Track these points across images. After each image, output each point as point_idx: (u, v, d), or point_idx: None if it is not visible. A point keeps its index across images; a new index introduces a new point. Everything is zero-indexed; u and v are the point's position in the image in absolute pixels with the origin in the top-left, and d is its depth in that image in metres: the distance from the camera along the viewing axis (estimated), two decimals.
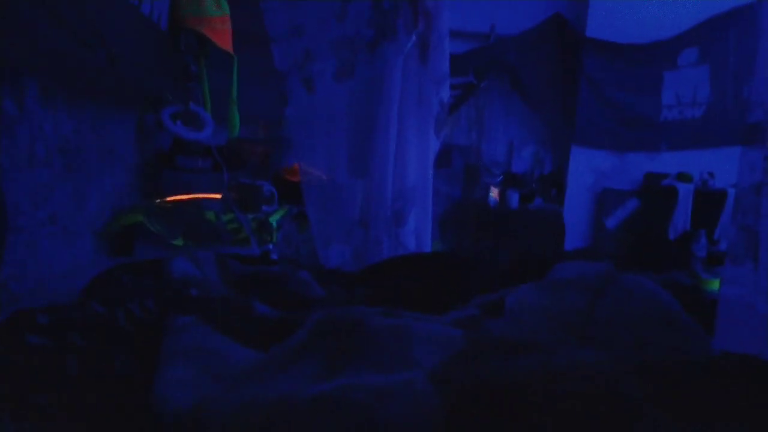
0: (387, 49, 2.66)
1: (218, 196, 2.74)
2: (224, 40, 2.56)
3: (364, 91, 2.67)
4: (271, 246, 2.76)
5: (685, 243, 3.96)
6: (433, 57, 2.77)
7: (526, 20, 5.26)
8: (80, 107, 2.03)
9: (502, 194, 4.86)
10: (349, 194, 2.81)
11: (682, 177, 4.70)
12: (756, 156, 2.43)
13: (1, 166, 1.51)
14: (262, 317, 1.27)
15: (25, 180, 1.68)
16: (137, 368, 1.03)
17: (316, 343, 1.03)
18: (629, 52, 5.11)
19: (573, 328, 1.27)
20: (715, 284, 3.19)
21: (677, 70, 5.10)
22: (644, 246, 4.12)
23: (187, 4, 2.44)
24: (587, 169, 5.22)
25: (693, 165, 4.86)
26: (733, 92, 4.82)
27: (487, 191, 5.05)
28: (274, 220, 2.95)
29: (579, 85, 5.12)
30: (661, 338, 1.26)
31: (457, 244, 3.62)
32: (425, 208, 2.89)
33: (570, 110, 5.24)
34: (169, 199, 2.59)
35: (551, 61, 5.26)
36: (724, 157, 4.04)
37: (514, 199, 4.70)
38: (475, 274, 1.93)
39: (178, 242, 2.41)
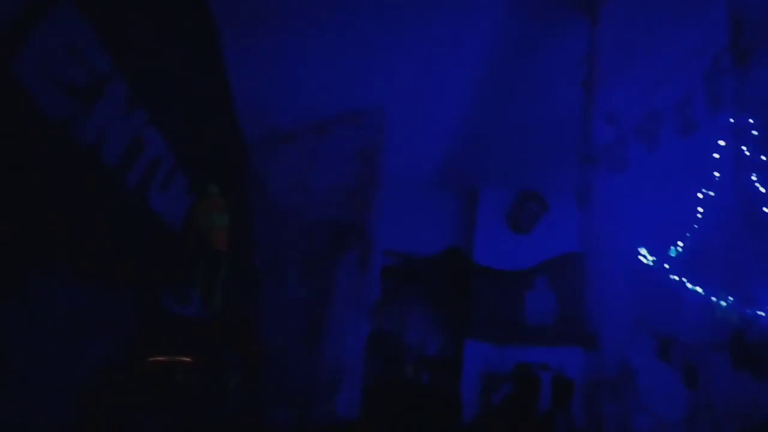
0: (339, 260, 2.78)
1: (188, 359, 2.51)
2: (222, 243, 2.60)
3: (319, 287, 2.72)
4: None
5: (549, 420, 3.83)
6: (368, 266, 2.90)
7: (436, 244, 5.58)
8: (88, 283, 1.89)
9: (416, 372, 4.70)
10: (300, 365, 2.67)
11: (543, 367, 4.73)
12: (592, 357, 2.51)
13: None
14: None
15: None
16: None
17: None
18: (503, 275, 5.45)
19: None
20: None
21: (535, 290, 5.42)
22: (519, 422, 3.95)
23: (199, 218, 2.51)
24: (476, 356, 5.20)
25: (550, 358, 4.91)
26: (573, 309, 5.11)
27: (406, 369, 4.89)
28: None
29: (470, 296, 5.33)
30: None
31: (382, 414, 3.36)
32: (356, 380, 2.76)
33: (464, 312, 5.38)
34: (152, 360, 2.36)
35: (449, 278, 5.52)
36: (573, 354, 4.14)
37: (425, 377, 4.55)
38: None
39: None
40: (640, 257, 2.98)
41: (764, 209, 2.33)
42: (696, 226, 2.67)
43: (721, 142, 2.32)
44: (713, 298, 2.64)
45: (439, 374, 4.98)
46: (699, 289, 2.74)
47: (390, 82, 3.48)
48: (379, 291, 2.91)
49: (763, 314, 2.44)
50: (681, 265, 2.85)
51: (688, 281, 2.81)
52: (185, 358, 2.50)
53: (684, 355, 1.99)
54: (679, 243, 2.88)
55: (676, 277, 2.87)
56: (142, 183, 1.83)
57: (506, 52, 3.53)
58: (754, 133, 2.34)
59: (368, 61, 3.45)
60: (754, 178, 2.44)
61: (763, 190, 2.41)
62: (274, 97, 3.00)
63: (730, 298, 2.60)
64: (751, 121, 2.30)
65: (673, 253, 2.88)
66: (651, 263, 3.01)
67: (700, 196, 2.60)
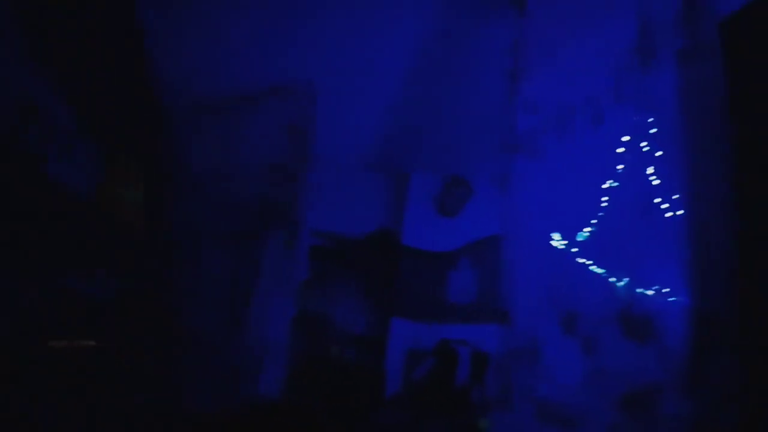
0: (264, 238, 2.72)
1: None
2: (134, 217, 2.43)
3: (243, 266, 2.65)
4: None
5: (466, 392, 4.07)
6: (296, 246, 2.87)
7: (365, 225, 5.65)
8: None
9: (342, 351, 4.76)
10: (222, 346, 2.60)
11: (462, 342, 4.99)
12: (505, 330, 2.69)
13: None
14: None
15: None
16: None
17: None
18: (429, 257, 5.64)
19: None
20: (485, 423, 3.27)
21: (458, 271, 5.67)
22: (438, 394, 4.17)
23: (109, 189, 2.32)
24: (401, 334, 5.36)
25: (469, 334, 5.19)
26: (491, 288, 5.42)
27: (332, 349, 4.94)
28: None
29: (398, 276, 5.47)
30: None
31: (306, 392, 3.39)
32: (280, 360, 2.75)
33: (391, 292, 5.51)
34: None
35: (377, 259, 5.62)
36: (490, 330, 4.40)
37: (351, 355, 4.63)
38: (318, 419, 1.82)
39: None
40: (553, 241, 3.23)
41: (656, 200, 2.61)
42: (601, 214, 2.93)
43: (625, 138, 2.55)
44: (612, 278, 2.94)
45: (365, 352, 5.10)
46: (601, 270, 3.03)
47: (322, 58, 3.42)
48: (307, 271, 2.90)
49: (651, 292, 2.76)
50: (587, 248, 3.13)
51: (593, 263, 3.09)
52: (89, 342, 2.33)
53: (584, 327, 2.20)
54: (587, 229, 3.15)
55: (583, 260, 3.15)
56: (37, 149, 1.65)
57: (438, 38, 3.59)
58: (653, 130, 2.60)
59: (300, 33, 3.36)
60: (650, 171, 2.71)
61: (657, 182, 2.70)
62: (199, 66, 2.83)
63: (626, 279, 2.90)
64: (650, 119, 2.55)
65: (581, 238, 3.15)
66: (563, 247, 3.27)
67: (605, 186, 2.85)
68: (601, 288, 2.90)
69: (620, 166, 2.78)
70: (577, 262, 3.09)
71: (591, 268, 2.93)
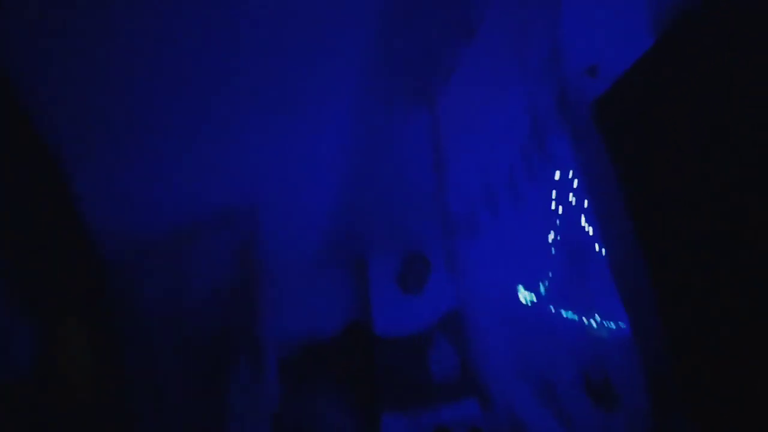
0: (229, 372, 2.67)
1: None
2: (85, 385, 2.32)
3: (209, 408, 2.57)
4: None
5: None
6: (263, 372, 2.82)
7: (334, 322, 5.58)
8: None
9: None
10: None
11: (459, 426, 4.84)
12: (486, 410, 2.66)
13: None
14: None
15: None
16: None
17: None
18: (405, 341, 5.63)
19: None
20: None
21: (436, 349, 5.64)
22: None
23: (54, 359, 2.24)
24: (395, 430, 5.15)
25: (463, 410, 5.05)
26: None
27: None
28: None
29: (377, 370, 5.38)
30: None
31: None
32: None
33: (374, 387, 5.37)
34: None
35: (353, 356, 5.53)
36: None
37: None
38: None
39: None
40: (520, 296, 3.35)
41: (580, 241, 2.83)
42: (553, 264, 3.12)
43: (553, 196, 2.80)
44: (584, 319, 3.06)
45: None
46: (571, 314, 3.15)
47: (256, 174, 3.57)
48: (278, 393, 2.83)
49: (623, 325, 2.90)
50: (551, 298, 3.27)
51: (561, 309, 3.22)
52: None
53: (557, 395, 2.25)
54: (544, 282, 3.32)
55: (552, 308, 3.27)
56: None
57: (369, 133, 3.87)
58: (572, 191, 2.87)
59: (233, 157, 3.52)
60: (582, 221, 2.95)
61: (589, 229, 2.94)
62: (135, 209, 2.89)
63: (597, 317, 3.03)
64: (569, 177, 2.83)
65: (542, 291, 3.29)
66: (528, 302, 3.39)
67: (549, 239, 3.07)
68: (575, 333, 3.01)
69: (557, 221, 3.02)
70: (546, 312, 3.21)
71: (561, 314, 3.06)
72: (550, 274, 3.27)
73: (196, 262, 2.85)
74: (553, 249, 3.15)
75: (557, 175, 2.69)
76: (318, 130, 3.66)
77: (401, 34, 2.75)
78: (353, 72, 3.02)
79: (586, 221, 3.01)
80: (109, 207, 2.82)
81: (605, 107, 1.81)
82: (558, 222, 2.95)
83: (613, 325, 2.75)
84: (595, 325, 3.06)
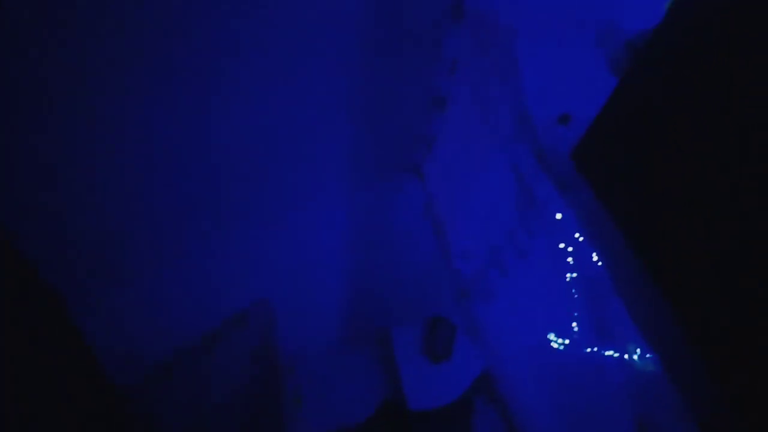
0: None
1: None
2: None
3: None
4: None
5: None
6: None
7: (367, 405, 5.32)
8: None
9: None
10: None
11: None
12: None
13: None
14: None
15: None
16: None
17: None
18: (443, 412, 5.36)
19: None
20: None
21: (479, 413, 5.34)
22: None
23: None
24: None
25: None
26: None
27: None
28: None
29: None
30: None
31: None
32: None
33: None
34: None
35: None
36: None
37: None
38: None
39: None
40: (552, 343, 3.20)
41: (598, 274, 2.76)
42: (577, 303, 3.02)
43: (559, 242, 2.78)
44: (626, 356, 2.90)
45: None
46: (612, 352, 2.99)
47: (265, 272, 3.60)
48: None
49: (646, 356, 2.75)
50: (586, 339, 3.13)
51: (600, 348, 3.07)
52: None
53: None
54: (573, 324, 3.19)
55: (592, 348, 3.12)
56: None
57: (367, 210, 3.93)
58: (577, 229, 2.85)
59: (242, 260, 3.57)
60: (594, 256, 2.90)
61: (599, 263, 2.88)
62: (146, 337, 2.89)
63: (638, 350, 2.87)
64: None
65: (575, 333, 3.16)
66: (562, 347, 3.24)
67: (567, 279, 2.99)
68: (620, 373, 2.84)
69: (570, 260, 2.97)
70: (580, 362, 3.05)
71: (603, 353, 2.90)
72: (576, 314, 3.15)
73: (215, 369, 2.81)
74: (573, 289, 3.06)
75: (558, 215, 2.69)
76: (317, 218, 3.73)
77: (383, 110, 2.86)
78: (343, 155, 3.12)
79: (597, 256, 2.96)
80: (122, 338, 2.83)
81: (585, 153, 1.84)
82: (571, 260, 2.90)
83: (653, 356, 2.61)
84: (636, 358, 2.90)
